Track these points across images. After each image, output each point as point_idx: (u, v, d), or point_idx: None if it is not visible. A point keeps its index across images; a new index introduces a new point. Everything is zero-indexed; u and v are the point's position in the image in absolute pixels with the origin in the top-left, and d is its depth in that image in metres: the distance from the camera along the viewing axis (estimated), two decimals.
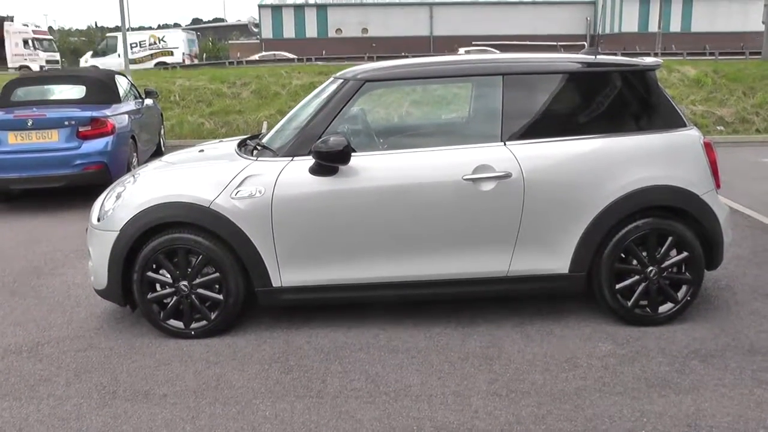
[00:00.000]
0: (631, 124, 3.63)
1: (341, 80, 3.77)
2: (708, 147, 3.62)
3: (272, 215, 3.55)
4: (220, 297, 3.67)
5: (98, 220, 3.82)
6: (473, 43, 31.16)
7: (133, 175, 3.82)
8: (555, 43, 32.59)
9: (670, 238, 3.55)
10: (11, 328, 3.99)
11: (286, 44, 35.21)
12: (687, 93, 15.06)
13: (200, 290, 3.67)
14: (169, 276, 3.67)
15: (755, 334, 3.53)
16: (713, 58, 21.30)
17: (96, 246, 3.77)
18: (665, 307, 3.63)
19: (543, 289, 3.69)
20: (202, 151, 4.32)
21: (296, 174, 3.55)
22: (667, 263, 3.58)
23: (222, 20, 58.65)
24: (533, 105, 3.62)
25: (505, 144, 3.54)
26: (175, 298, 3.69)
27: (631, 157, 3.54)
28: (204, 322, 3.71)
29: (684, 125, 3.65)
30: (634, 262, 3.59)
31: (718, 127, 13.34)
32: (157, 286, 3.72)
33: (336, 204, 3.54)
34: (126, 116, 7.36)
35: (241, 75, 15.76)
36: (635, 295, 3.60)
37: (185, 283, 3.66)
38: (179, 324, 3.73)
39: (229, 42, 42.98)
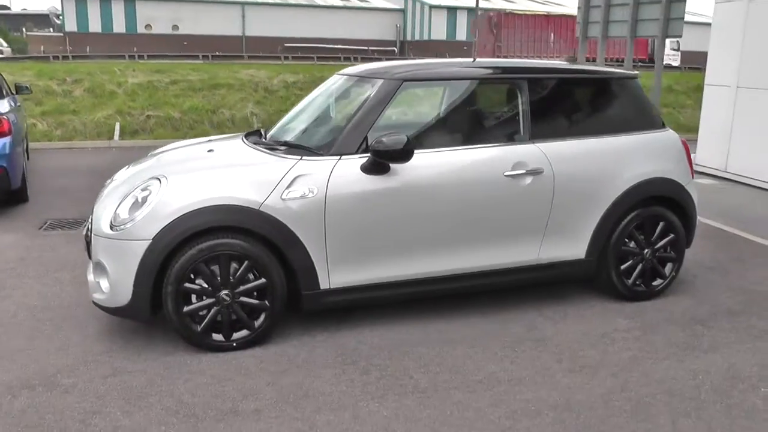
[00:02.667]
0: (629, 124, 4.15)
1: (377, 80, 3.78)
2: (684, 144, 4.28)
3: (325, 215, 3.48)
4: (266, 303, 3.50)
5: (112, 229, 3.41)
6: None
7: (158, 178, 3.46)
8: (366, 48, 33.88)
9: (661, 224, 4.13)
10: (0, 363, 3.39)
11: (92, 38, 32.19)
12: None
13: (243, 298, 3.46)
14: (207, 285, 3.41)
15: (725, 299, 4.26)
16: None
17: (115, 258, 3.37)
18: (656, 283, 4.21)
19: (564, 275, 4.07)
20: (211, 150, 4.02)
21: (348, 173, 3.52)
22: (659, 245, 4.16)
23: (5, 8, 51.35)
24: (553, 107, 3.98)
25: (533, 142, 3.85)
26: (214, 308, 3.44)
27: (634, 153, 4.06)
28: (246, 332, 3.51)
29: (664, 126, 4.27)
30: (632, 245, 4.11)
31: None
32: (193, 298, 3.43)
33: (387, 202, 3.58)
34: (13, 114, 6.38)
35: (71, 71, 14.28)
36: (634, 273, 4.13)
37: (226, 292, 3.43)
38: (219, 337, 3.48)
39: (27, 34, 37.96)
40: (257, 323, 3.51)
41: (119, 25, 34.51)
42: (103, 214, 3.51)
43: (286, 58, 26.37)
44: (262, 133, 4.34)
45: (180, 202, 3.33)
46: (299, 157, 3.55)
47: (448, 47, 33.60)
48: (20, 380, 3.22)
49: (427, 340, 3.65)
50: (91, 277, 3.61)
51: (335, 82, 4.36)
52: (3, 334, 3.74)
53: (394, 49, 35.60)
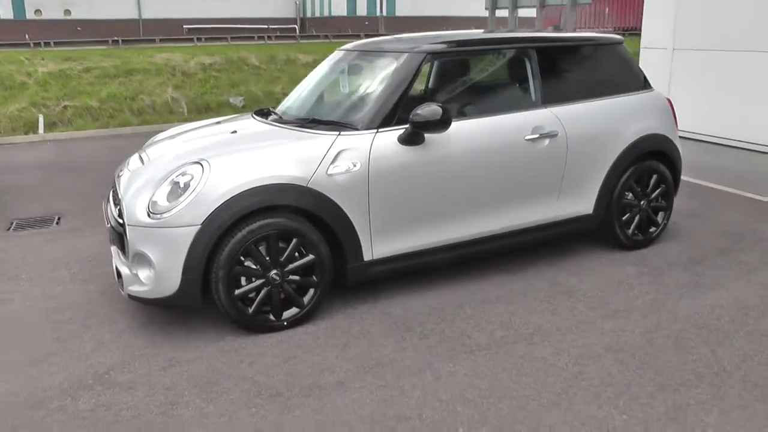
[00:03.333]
0: (623, 86, 4.43)
1: (401, 53, 3.83)
2: (669, 102, 4.63)
3: (369, 188, 3.53)
4: (314, 279, 3.52)
5: (151, 217, 3.29)
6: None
7: (198, 162, 3.36)
8: (266, 26, 33.11)
9: (654, 176, 4.48)
10: (38, 367, 3.22)
11: None
12: None
13: (292, 277, 3.47)
14: (257, 266, 3.39)
15: (711, 241, 4.69)
16: None
17: (160, 247, 3.27)
18: (651, 230, 4.57)
19: (575, 230, 4.33)
20: (234, 132, 3.92)
21: (386, 145, 3.58)
22: (653, 196, 4.51)
23: None
24: (559, 73, 4.19)
25: (546, 107, 4.06)
26: (264, 289, 3.42)
27: (631, 113, 4.37)
28: (295, 310, 3.52)
29: (651, 87, 4.60)
30: (630, 197, 4.43)
31: None
32: (242, 280, 3.39)
33: (424, 171, 3.67)
34: None
35: None
36: (633, 224, 4.47)
37: (276, 271, 3.42)
38: (269, 317, 3.47)
39: None
40: (306, 300, 3.53)
41: (6, 11, 31.74)
42: (136, 204, 3.38)
43: (192, 39, 25.29)
44: (272, 111, 4.29)
45: (228, 184, 3.27)
46: (338, 132, 3.56)
47: (350, 23, 33.47)
48: (71, 381, 3.08)
49: (467, 302, 3.81)
50: (125, 269, 3.48)
51: (343, 57, 4.38)
52: (26, 338, 3.54)
53: (295, 26, 35.00)
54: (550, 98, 4.08)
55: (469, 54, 3.98)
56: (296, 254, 3.46)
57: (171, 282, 3.30)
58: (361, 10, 35.58)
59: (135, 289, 3.44)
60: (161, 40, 22.66)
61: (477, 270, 4.20)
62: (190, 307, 3.45)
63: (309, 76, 4.69)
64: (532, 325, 3.51)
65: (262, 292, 3.42)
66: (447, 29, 5.07)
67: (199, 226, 3.23)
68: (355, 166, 3.49)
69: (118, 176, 3.83)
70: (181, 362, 3.23)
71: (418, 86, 3.98)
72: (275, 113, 4.21)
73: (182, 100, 13.34)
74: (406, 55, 3.78)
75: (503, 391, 2.90)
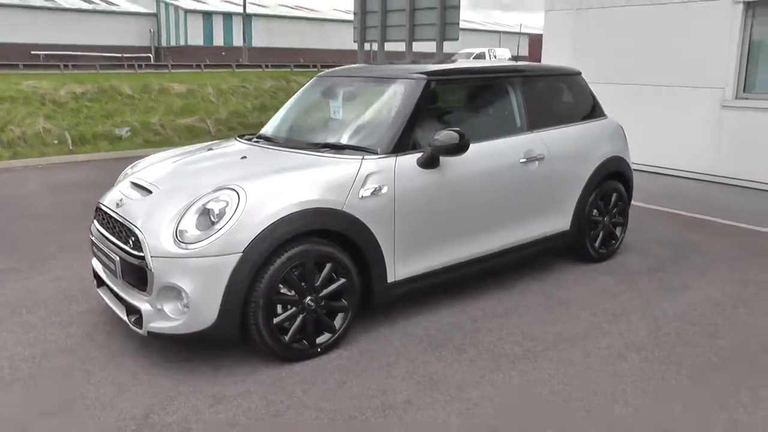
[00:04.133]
0: (587, 113, 4.87)
1: (403, 79, 3.94)
2: (622, 128, 5.14)
3: (395, 211, 3.59)
4: (345, 304, 3.49)
5: (181, 247, 3.11)
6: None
7: (230, 188, 3.21)
8: (120, 54, 31.65)
9: (614, 194, 4.94)
10: (57, 424, 2.90)
11: None
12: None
13: (325, 302, 3.41)
14: (294, 293, 3.30)
15: (659, 251, 5.22)
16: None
17: (195, 277, 3.09)
18: (612, 243, 5.02)
19: (554, 246, 4.64)
20: (244, 157, 3.78)
21: (408, 168, 3.66)
22: (614, 212, 4.96)
23: None
24: (539, 100, 4.51)
25: (532, 132, 4.36)
26: (300, 316, 3.34)
27: (597, 137, 4.80)
28: (328, 336, 3.46)
29: (605, 115, 5.08)
30: (596, 213, 4.85)
31: None
32: (278, 308, 3.29)
33: (440, 193, 3.79)
34: None
35: None
36: (599, 239, 4.89)
37: (311, 297, 3.35)
38: (303, 344, 3.38)
39: None
40: (337, 325, 3.48)
41: None
42: (160, 234, 3.16)
43: (58, 66, 23.36)
44: (263, 136, 4.24)
45: (268, 210, 3.17)
46: (361, 157, 3.59)
47: (207, 52, 32.87)
48: (112, 429, 2.80)
49: (479, 317, 3.95)
50: (144, 306, 3.23)
51: (331, 83, 4.44)
52: (29, 391, 3.15)
53: (150, 55, 33.63)
54: (534, 124, 4.40)
55: (464, 81, 4.19)
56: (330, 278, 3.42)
57: (207, 314, 3.12)
58: (218, 39, 35.08)
59: (160, 325, 3.21)
60: (25, 66, 20.89)
61: (472, 289, 4.35)
62: (226, 340, 3.27)
63: (291, 101, 4.66)
64: (551, 334, 3.73)
65: (298, 319, 3.33)
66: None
67: (241, 254, 3.09)
68: (382, 189, 3.53)
69: (117, 206, 3.54)
70: (228, 397, 3.05)
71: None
72: (267, 137, 4.17)
73: (54, 130, 12.38)
74: (409, 81, 3.90)
75: (563, 395, 3.07)
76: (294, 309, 3.31)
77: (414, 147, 3.73)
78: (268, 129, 4.49)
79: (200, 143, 4.64)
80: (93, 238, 3.74)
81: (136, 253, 3.23)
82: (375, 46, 21.26)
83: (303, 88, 4.72)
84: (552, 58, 9.11)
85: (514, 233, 4.27)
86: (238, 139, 4.45)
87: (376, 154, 3.63)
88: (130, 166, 4.29)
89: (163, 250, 3.13)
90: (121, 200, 3.56)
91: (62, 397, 3.08)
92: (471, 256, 4.05)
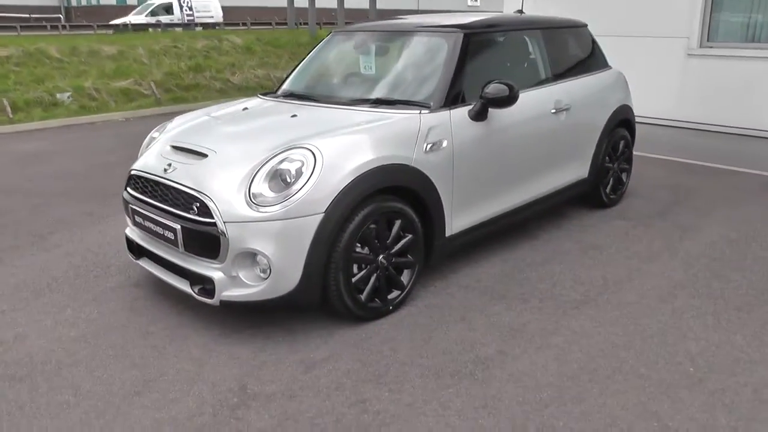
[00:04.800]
0: (596, 64, 4.96)
1: (444, 34, 3.88)
2: (624, 77, 5.28)
3: (453, 164, 3.58)
4: (412, 260, 3.48)
5: (257, 210, 2.98)
6: None
7: (307, 147, 3.09)
8: (28, 15, 29.37)
9: (622, 141, 5.11)
10: (148, 398, 2.78)
11: None
12: (243, 59, 16.42)
13: (396, 259, 3.39)
14: (368, 251, 3.26)
15: (662, 195, 5.47)
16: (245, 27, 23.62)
17: (277, 241, 2.99)
18: (620, 190, 5.22)
19: (576, 193, 4.77)
20: (294, 116, 3.62)
21: (461, 121, 3.64)
22: (621, 159, 5.15)
23: None
24: (558, 53, 4.56)
25: (557, 83, 4.42)
26: (374, 275, 3.31)
27: (609, 87, 4.93)
28: (397, 293, 3.45)
29: (609, 65, 5.21)
30: (607, 160, 5.02)
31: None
32: (354, 268, 3.24)
33: (490, 144, 3.81)
34: None
35: None
36: (609, 185, 5.07)
37: (383, 255, 3.32)
38: (378, 303, 3.37)
39: None
40: (405, 281, 3.48)
41: None
42: (231, 198, 3.02)
43: None
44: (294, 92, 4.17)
45: (345, 168, 3.09)
46: (419, 111, 3.53)
47: (122, 12, 30.95)
48: (214, 403, 2.72)
49: (523, 266, 4.04)
50: (218, 274, 3.10)
51: (355, 39, 4.37)
52: (99, 372, 2.99)
53: (60, 16, 31.29)
54: (557, 75, 4.46)
55: (497, 35, 4.17)
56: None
57: (289, 278, 3.04)
58: None
59: (235, 293, 3.10)
60: None
61: (502, 240, 4.42)
62: (306, 304, 3.18)
63: (311, 57, 4.50)
64: (597, 278, 3.87)
65: (373, 278, 3.30)
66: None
67: (323, 214, 3.01)
68: (442, 143, 3.51)
69: (165, 171, 3.33)
70: (318, 362, 3.00)
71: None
72: (301, 95, 4.09)
73: None
74: (450, 35, 3.83)
75: (639, 334, 3.22)
76: (369, 267, 3.27)
77: (463, 100, 3.71)
78: (295, 86, 4.32)
79: (221, 103, 4.41)
80: (134, 208, 3.52)
81: (203, 219, 3.07)
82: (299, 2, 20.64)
83: (321, 44, 4.56)
84: (511, 9, 9.17)
85: (547, 182, 4.36)
86: (262, 96, 4.28)
87: (429, 108, 3.58)
88: (155, 129, 4.04)
89: (237, 215, 2.99)
90: (169, 165, 3.36)
91: (141, 375, 2.94)
92: (512, 206, 4.12)
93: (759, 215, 4.97)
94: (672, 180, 5.95)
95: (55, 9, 32.24)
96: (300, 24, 24.54)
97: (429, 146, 3.44)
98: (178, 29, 22.51)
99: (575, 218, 4.91)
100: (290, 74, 4.55)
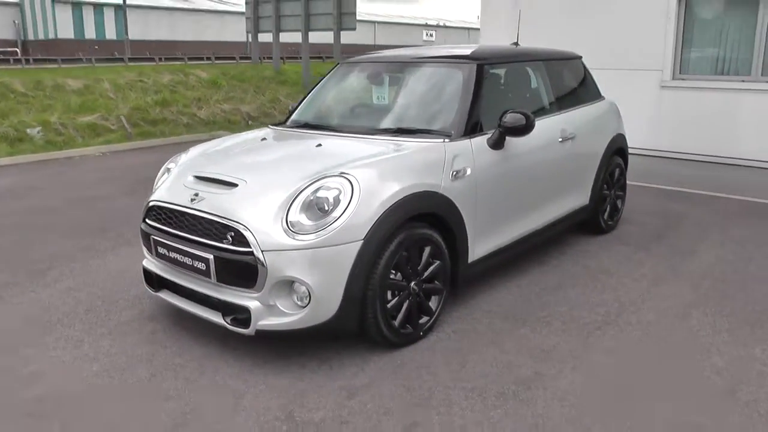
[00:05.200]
0: (592, 94, 5.16)
1: (459, 65, 3.99)
2: (617, 107, 5.50)
3: (477, 192, 3.66)
4: (440, 286, 3.52)
5: (295, 238, 2.99)
6: None
7: (343, 175, 3.11)
8: None
9: (618, 169, 5.30)
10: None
11: None
12: (209, 94, 16.37)
13: (425, 285, 3.43)
14: (401, 278, 3.29)
15: (650, 222, 5.66)
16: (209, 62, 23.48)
17: (317, 269, 2.99)
18: (616, 216, 5.39)
19: (579, 219, 4.91)
20: (320, 145, 3.64)
21: (481, 150, 3.74)
22: (617, 186, 5.33)
23: None
24: (559, 83, 4.73)
25: (560, 113, 4.58)
26: (407, 301, 3.33)
27: (606, 116, 5.13)
28: (426, 318, 3.48)
29: (603, 95, 5.42)
30: (605, 186, 5.18)
31: (249, 122, 14.96)
32: (388, 294, 3.26)
33: (507, 172, 3.91)
34: None
35: None
36: (607, 211, 5.23)
37: (414, 282, 3.35)
38: (409, 330, 3.38)
39: None
40: (434, 307, 3.51)
41: None
42: (266, 227, 3.01)
43: None
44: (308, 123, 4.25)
45: (382, 195, 3.13)
46: (442, 139, 3.61)
47: (78, 46, 30.57)
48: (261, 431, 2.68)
49: (538, 291, 4.12)
50: (254, 304, 3.07)
51: (365, 70, 4.44)
52: (134, 404, 2.91)
53: (16, 49, 30.65)
54: (560, 105, 4.63)
55: (507, 65, 4.32)
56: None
57: (329, 306, 3.04)
58: (90, 32, 32.65)
59: (272, 322, 3.08)
60: None
61: (512, 267, 4.49)
62: (344, 332, 3.18)
63: (319, 88, 4.56)
64: (612, 301, 3.97)
65: (406, 304, 3.32)
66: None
67: (362, 241, 3.04)
68: (467, 171, 3.59)
69: (192, 201, 3.30)
70: (360, 388, 2.99)
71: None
72: (315, 125, 4.15)
73: None
74: (465, 65, 3.94)
75: (669, 353, 3.32)
76: (402, 294, 3.29)
77: (480, 129, 3.81)
78: (308, 116, 4.36)
79: (232, 134, 4.41)
80: (156, 239, 3.47)
81: (239, 249, 3.05)
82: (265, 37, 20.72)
83: (328, 75, 4.62)
84: (487, 41, 9.47)
85: (555, 209, 4.49)
86: (273, 127, 4.31)
87: (450, 137, 3.67)
88: (170, 161, 4.00)
89: (276, 243, 2.99)
90: (196, 195, 3.33)
91: (178, 408, 2.87)
92: (526, 232, 4.21)
93: (748, 238, 5.19)
94: (658, 207, 6.17)
95: (12, 43, 31.58)
96: (263, 59, 24.64)
97: (454, 174, 3.51)
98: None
99: (576, 244, 5.04)
100: (298, 106, 4.59)
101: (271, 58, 22.49)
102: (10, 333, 3.67)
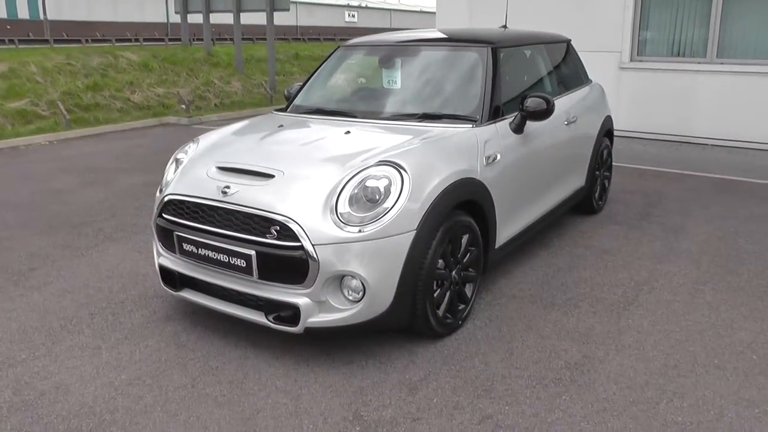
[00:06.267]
0: (583, 77, 5.24)
1: (476, 48, 3.94)
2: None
3: (504, 177, 3.65)
4: (474, 273, 3.50)
5: (346, 230, 2.89)
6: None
7: (391, 164, 3.01)
8: None
9: (606, 150, 5.43)
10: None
11: None
12: (141, 77, 15.63)
13: (464, 272, 3.40)
14: (444, 267, 3.25)
15: (634, 202, 5.84)
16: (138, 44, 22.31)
17: (371, 261, 2.90)
18: (605, 196, 5.53)
19: (577, 200, 4.99)
20: (348, 132, 3.50)
21: (505, 134, 3.73)
22: (605, 165, 5.46)
23: None
24: (559, 67, 4.78)
25: (562, 96, 4.63)
26: (449, 290, 3.30)
27: (597, 99, 5.23)
28: (462, 306, 3.46)
29: (591, 78, 5.51)
30: (596, 171, 5.30)
31: (181, 106, 14.35)
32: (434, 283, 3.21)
33: (527, 156, 3.92)
34: None
35: None
36: (597, 191, 5.36)
37: (455, 270, 3.32)
38: (451, 319, 3.35)
39: None
40: (469, 294, 3.49)
41: None
42: (314, 220, 2.89)
43: None
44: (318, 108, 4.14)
45: (430, 183, 3.06)
46: (471, 125, 3.57)
47: (15, 27, 28.38)
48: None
49: (554, 273, 4.18)
50: (303, 300, 2.95)
51: (372, 53, 4.32)
52: (182, 417, 2.75)
53: None
54: (561, 88, 4.68)
55: (516, 49, 4.29)
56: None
57: (383, 299, 2.96)
58: (23, 12, 30.39)
59: (324, 318, 2.97)
60: None
61: (517, 251, 4.53)
62: (396, 325, 3.10)
63: (325, 72, 4.41)
64: (626, 280, 4.08)
65: (448, 293, 3.28)
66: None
67: (415, 231, 2.97)
68: (497, 155, 3.57)
69: (224, 194, 3.11)
70: (418, 383, 2.94)
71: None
72: (327, 110, 4.04)
73: None
74: (482, 49, 3.89)
75: (696, 328, 3.44)
76: (446, 283, 3.25)
77: (502, 113, 3.79)
78: (315, 102, 4.21)
79: (244, 121, 4.18)
80: (180, 235, 3.26)
81: (287, 243, 2.91)
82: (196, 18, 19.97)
83: (331, 58, 4.47)
84: (442, 24, 9.47)
85: (560, 191, 4.55)
86: (280, 113, 4.16)
87: (476, 121, 3.63)
88: (179, 150, 3.77)
89: (327, 236, 2.87)
90: (228, 188, 3.15)
91: (234, 414, 2.73)
92: (539, 216, 4.25)
93: (729, 213, 5.46)
94: (635, 185, 6.39)
95: None
96: (193, 40, 23.71)
97: (486, 159, 3.48)
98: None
99: (571, 225, 5.15)
100: (298, 91, 4.43)
101: (201, 39, 21.66)
102: (12, 343, 3.38)
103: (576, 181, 4.87)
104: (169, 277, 3.46)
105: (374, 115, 3.84)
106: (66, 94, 13.12)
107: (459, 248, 3.31)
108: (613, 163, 7.05)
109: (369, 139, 3.47)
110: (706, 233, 4.97)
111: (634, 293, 3.89)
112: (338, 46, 4.56)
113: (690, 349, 3.23)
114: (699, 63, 8.04)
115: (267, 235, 2.97)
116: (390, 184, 2.98)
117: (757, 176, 6.82)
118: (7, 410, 2.78)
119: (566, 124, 4.49)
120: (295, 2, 49.98)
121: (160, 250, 3.49)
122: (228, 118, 12.92)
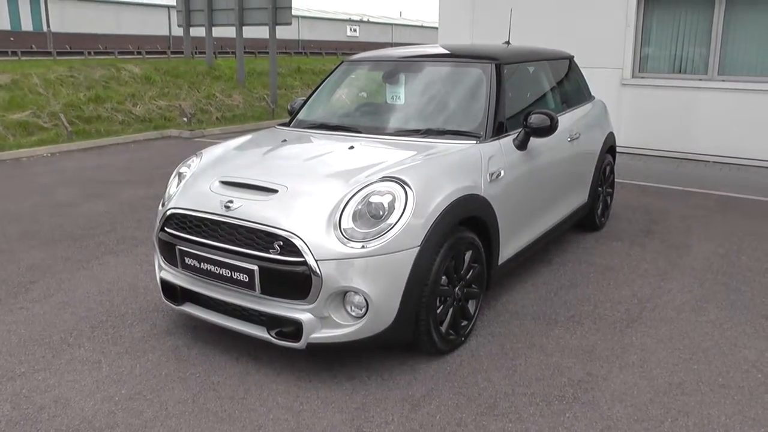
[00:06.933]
0: (586, 94, 5.25)
1: (480, 64, 3.95)
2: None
3: (508, 194, 3.64)
4: (477, 290, 3.49)
5: (349, 246, 2.88)
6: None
7: (395, 180, 3.00)
8: None
9: (608, 167, 5.43)
10: None
11: None
12: (143, 90, 15.70)
13: (467, 289, 3.39)
14: (447, 283, 3.23)
15: (635, 218, 5.84)
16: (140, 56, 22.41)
17: (375, 277, 2.89)
18: (607, 212, 5.53)
19: (579, 216, 4.99)
20: (352, 147, 3.50)
21: (509, 151, 3.73)
22: (608, 182, 5.47)
23: None
24: (561, 83, 4.79)
25: (565, 113, 4.64)
26: (452, 307, 3.29)
27: (599, 115, 5.24)
28: (465, 322, 3.44)
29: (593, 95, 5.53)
30: (599, 187, 5.31)
31: (183, 119, 14.39)
32: (437, 300, 3.19)
33: (530, 173, 3.92)
34: None
35: None
36: (600, 207, 5.35)
37: (458, 286, 3.31)
38: (454, 335, 3.33)
39: None
40: (472, 311, 3.47)
41: None
42: (318, 235, 2.88)
43: None
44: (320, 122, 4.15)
45: (434, 199, 3.06)
46: (475, 141, 3.57)
47: (18, 39, 28.55)
48: None
49: (557, 291, 4.17)
50: (306, 316, 2.94)
51: (390, 67, 4.31)
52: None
53: None
54: (564, 105, 4.69)
55: (520, 65, 4.31)
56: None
57: (386, 316, 2.95)
58: (4, 23, 30.57)
59: (326, 334, 2.95)
60: None
61: (521, 268, 4.52)
62: (399, 341, 3.08)
63: (327, 87, 4.43)
64: (629, 298, 4.07)
65: (451, 310, 3.27)
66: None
67: (419, 247, 2.96)
68: (501, 172, 3.57)
69: (227, 209, 3.10)
70: (420, 399, 2.92)
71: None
72: (331, 125, 4.05)
73: None
74: (486, 65, 3.91)
75: (700, 347, 3.42)
76: (448, 300, 3.24)
77: (505, 130, 3.80)
78: (318, 117, 4.22)
79: (247, 135, 4.18)
80: (183, 249, 3.25)
81: (290, 259, 2.91)
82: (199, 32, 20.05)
83: (335, 73, 4.48)
84: (445, 40, 9.51)
85: (564, 207, 4.55)
86: (283, 128, 4.16)
87: (479, 138, 3.64)
88: (182, 164, 3.77)
89: (331, 252, 2.86)
90: (231, 202, 3.15)
91: (235, 430, 2.71)
92: (541, 232, 4.24)
93: (731, 230, 5.45)
94: (637, 202, 6.39)
95: None
96: (195, 53, 23.84)
97: (490, 176, 3.48)
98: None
99: (574, 242, 5.14)
100: (301, 106, 4.44)
101: (202, 52, 21.80)
102: (12, 356, 3.36)
103: (579, 197, 4.87)
104: (171, 291, 3.45)
105: (378, 130, 3.84)
106: (68, 106, 13.16)
107: (462, 264, 3.29)
108: (615, 180, 7.14)
109: (373, 154, 3.47)
110: (709, 250, 4.96)
111: (637, 310, 3.87)
112: (342, 61, 4.57)
113: (694, 367, 3.21)
114: (700, 80, 8.08)
115: (270, 250, 2.96)
116: (394, 200, 2.98)
117: (760, 193, 6.82)
118: (5, 424, 2.76)
119: (569, 141, 4.49)
120: (298, 16, 50.39)
121: (162, 263, 3.48)
122: (230, 131, 12.95)
